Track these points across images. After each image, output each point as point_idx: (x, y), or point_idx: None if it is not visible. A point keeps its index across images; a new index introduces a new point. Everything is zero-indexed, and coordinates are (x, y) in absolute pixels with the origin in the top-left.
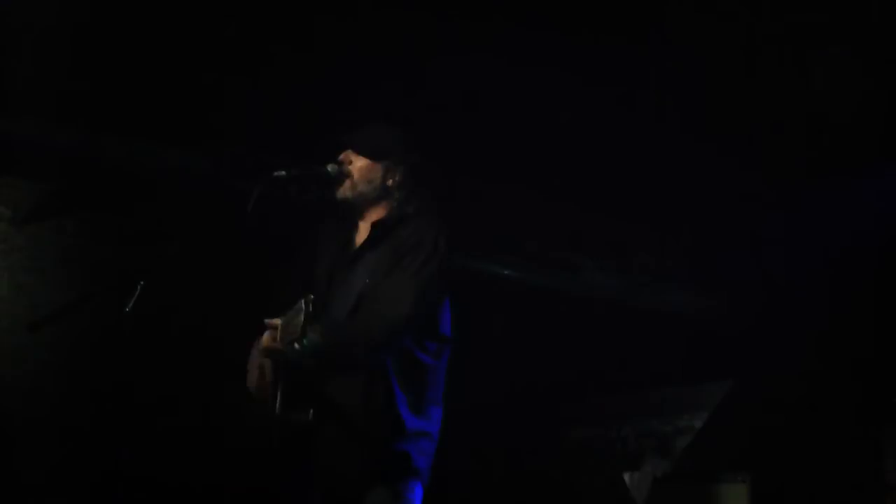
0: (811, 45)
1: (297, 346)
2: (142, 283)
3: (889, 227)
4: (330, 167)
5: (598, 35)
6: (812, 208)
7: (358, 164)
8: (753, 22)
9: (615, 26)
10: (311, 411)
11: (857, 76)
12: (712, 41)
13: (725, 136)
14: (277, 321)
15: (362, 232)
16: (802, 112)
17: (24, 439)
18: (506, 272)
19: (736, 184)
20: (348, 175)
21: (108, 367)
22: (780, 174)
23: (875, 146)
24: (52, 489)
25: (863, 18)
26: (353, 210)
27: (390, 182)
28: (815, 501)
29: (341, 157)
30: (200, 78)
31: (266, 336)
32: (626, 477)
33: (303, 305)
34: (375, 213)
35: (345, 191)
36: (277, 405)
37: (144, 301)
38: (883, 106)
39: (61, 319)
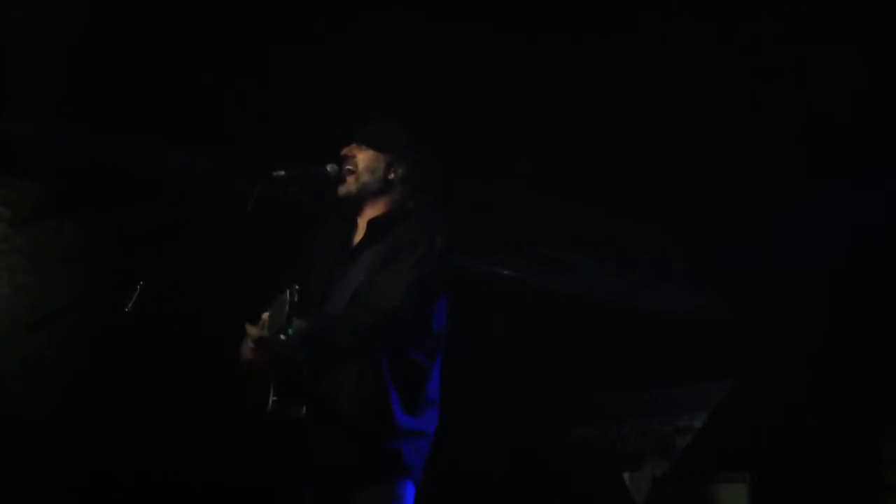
0: (811, 45)
1: (282, 336)
2: (142, 283)
3: (889, 227)
4: (329, 167)
5: (598, 35)
6: (812, 208)
7: (361, 155)
8: (753, 22)
9: (615, 26)
10: (304, 407)
11: (857, 76)
12: (712, 41)
13: (725, 136)
14: (265, 315)
15: (361, 229)
16: (802, 112)
17: (24, 439)
18: (506, 272)
19: (736, 184)
20: (351, 171)
21: (108, 366)
22: (780, 174)
23: (875, 146)
24: (51, 489)
25: (863, 18)
26: (354, 208)
27: (392, 175)
28: (814, 501)
29: (344, 150)
30: (200, 78)
31: (254, 328)
32: (626, 477)
33: (287, 296)
34: (375, 210)
35: (348, 186)
36: (271, 401)
37: (144, 301)
38: (883, 106)
39: (60, 320)
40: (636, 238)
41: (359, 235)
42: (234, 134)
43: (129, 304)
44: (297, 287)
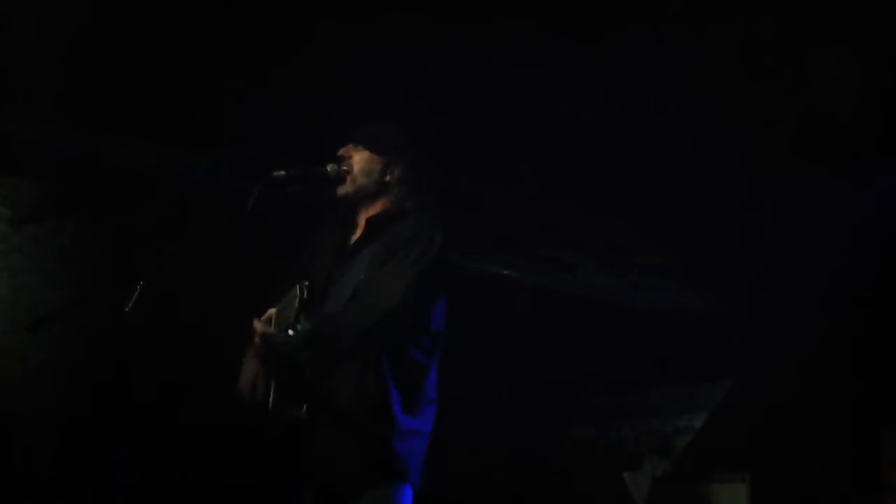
0: (811, 44)
1: (290, 332)
2: (142, 283)
3: (889, 226)
4: (329, 167)
5: (598, 35)
6: (812, 208)
7: (358, 156)
8: (753, 22)
9: (615, 26)
10: (305, 407)
11: (857, 76)
12: (712, 41)
13: (725, 135)
14: (272, 311)
15: (360, 228)
16: (802, 112)
17: (24, 439)
18: (505, 272)
19: (736, 183)
20: (348, 171)
21: (108, 366)
22: (779, 174)
23: (875, 145)
24: (51, 489)
25: (863, 18)
26: (352, 208)
27: (388, 177)
28: (814, 501)
29: (341, 151)
30: (200, 78)
31: (260, 323)
32: (626, 477)
33: (297, 292)
34: (373, 210)
35: (345, 188)
36: (271, 401)
37: (144, 301)
38: (883, 105)
39: (60, 320)
40: (636, 238)
41: (357, 234)
42: (234, 134)
43: (129, 304)
44: (307, 283)
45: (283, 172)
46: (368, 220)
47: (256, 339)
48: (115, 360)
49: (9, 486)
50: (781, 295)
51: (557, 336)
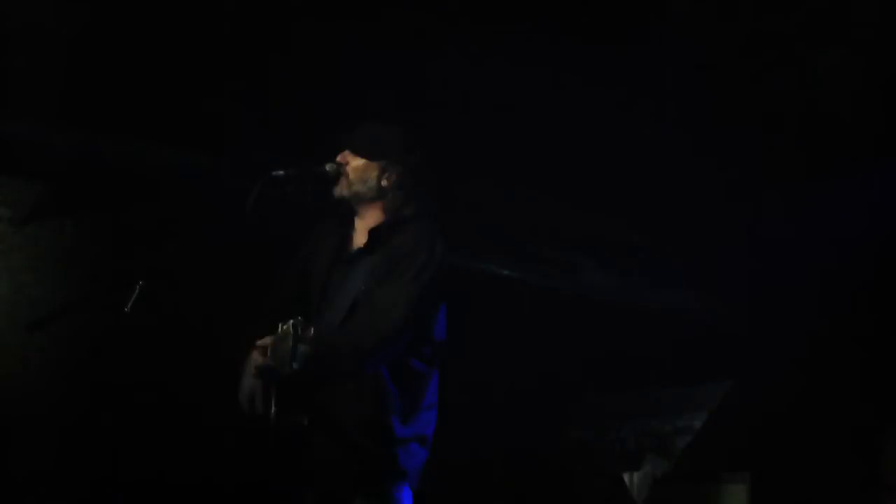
0: (811, 44)
1: (286, 369)
2: (141, 283)
3: (889, 226)
4: (328, 166)
5: (597, 35)
6: (812, 207)
7: (354, 163)
8: (753, 22)
9: (615, 26)
10: (306, 418)
11: (856, 76)
12: (712, 41)
13: (725, 135)
14: (268, 340)
15: (359, 234)
16: (802, 111)
17: (24, 439)
18: (505, 272)
19: (736, 183)
20: (345, 174)
21: (108, 367)
22: (779, 173)
23: (875, 145)
24: (51, 489)
25: (863, 18)
26: (351, 210)
27: (385, 182)
28: (814, 501)
29: (339, 157)
30: (200, 78)
31: (256, 355)
32: (626, 477)
33: (291, 329)
34: (372, 214)
35: (341, 189)
36: (272, 412)
37: (144, 301)
38: (883, 105)
39: (60, 320)
40: (636, 238)
41: (356, 238)
42: (233, 134)
43: (129, 304)
44: (300, 319)
45: (282, 172)
46: (370, 231)
47: (253, 372)
48: (115, 360)
49: (9, 486)
50: (782, 295)
51: (557, 336)
